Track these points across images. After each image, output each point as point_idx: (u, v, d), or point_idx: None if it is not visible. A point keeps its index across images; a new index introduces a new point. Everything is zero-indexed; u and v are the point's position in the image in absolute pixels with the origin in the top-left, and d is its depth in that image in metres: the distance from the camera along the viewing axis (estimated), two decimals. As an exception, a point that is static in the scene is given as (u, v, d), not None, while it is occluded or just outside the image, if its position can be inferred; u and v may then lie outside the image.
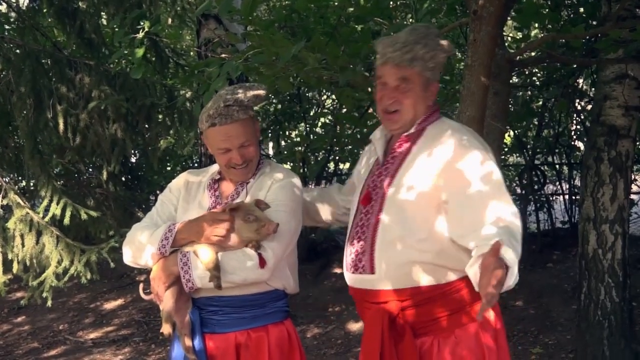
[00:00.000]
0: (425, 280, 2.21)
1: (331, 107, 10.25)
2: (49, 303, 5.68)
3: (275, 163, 2.73)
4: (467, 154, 2.20)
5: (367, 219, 2.32)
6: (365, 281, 2.29)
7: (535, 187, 9.07)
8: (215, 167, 2.70)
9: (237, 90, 2.48)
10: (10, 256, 5.53)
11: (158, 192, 9.33)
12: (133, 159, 9.88)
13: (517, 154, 10.00)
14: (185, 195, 2.63)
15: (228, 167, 2.51)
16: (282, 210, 2.45)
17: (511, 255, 1.92)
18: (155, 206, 2.66)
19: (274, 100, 9.47)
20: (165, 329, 2.40)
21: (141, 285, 2.61)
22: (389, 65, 2.33)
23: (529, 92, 8.60)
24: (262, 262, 2.34)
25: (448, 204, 2.19)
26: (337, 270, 8.49)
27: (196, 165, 9.64)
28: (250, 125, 2.50)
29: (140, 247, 2.46)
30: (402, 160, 2.33)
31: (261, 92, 2.52)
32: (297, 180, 2.59)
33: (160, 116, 6.78)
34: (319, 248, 9.41)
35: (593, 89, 7.52)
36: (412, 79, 2.32)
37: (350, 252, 2.36)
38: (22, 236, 5.54)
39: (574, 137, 9.34)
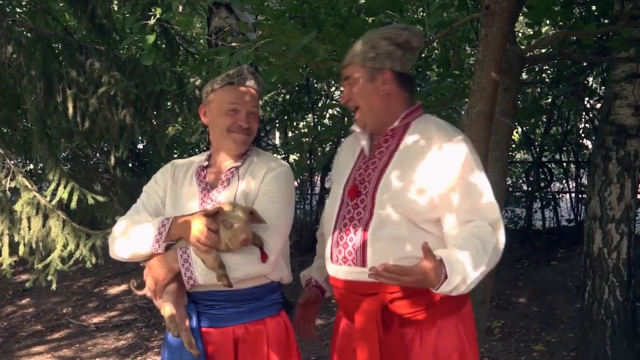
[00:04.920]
0: None
1: (339, 99, 10.23)
2: (54, 286, 5.71)
3: (263, 151, 2.69)
4: (452, 153, 2.22)
5: (356, 212, 2.31)
6: (356, 273, 2.28)
7: (542, 184, 9.06)
8: (202, 156, 2.65)
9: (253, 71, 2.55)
10: (16, 238, 5.54)
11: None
12: (140, 145, 9.90)
13: (525, 151, 10.01)
14: (173, 185, 2.57)
15: (229, 132, 2.47)
16: (277, 201, 2.43)
17: (456, 277, 2.06)
18: (141, 198, 2.59)
19: (282, 91, 9.48)
20: (173, 329, 2.31)
21: (132, 281, 2.57)
22: (342, 69, 2.44)
23: (539, 89, 8.58)
24: (264, 256, 2.32)
25: (437, 203, 2.22)
26: (341, 262, 8.48)
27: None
28: (258, 103, 2.55)
29: (131, 240, 2.40)
30: (390, 155, 2.33)
31: (265, 85, 2.59)
32: (289, 170, 2.56)
33: (169, 103, 6.79)
34: (323, 239, 9.40)
35: (603, 87, 7.51)
36: (352, 73, 2.38)
37: (337, 244, 2.34)
38: (28, 219, 5.55)
39: (582, 135, 9.33)
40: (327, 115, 9.62)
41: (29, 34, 6.24)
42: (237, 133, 2.47)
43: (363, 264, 2.24)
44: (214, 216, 2.27)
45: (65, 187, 5.68)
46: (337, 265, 2.35)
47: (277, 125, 10.54)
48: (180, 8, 8.33)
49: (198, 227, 2.25)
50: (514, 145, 9.24)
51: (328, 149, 9.49)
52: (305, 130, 9.19)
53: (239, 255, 2.30)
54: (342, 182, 2.44)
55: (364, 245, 2.25)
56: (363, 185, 2.34)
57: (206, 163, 2.59)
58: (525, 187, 9.74)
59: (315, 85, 9.75)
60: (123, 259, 2.47)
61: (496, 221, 2.17)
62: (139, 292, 2.47)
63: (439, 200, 2.20)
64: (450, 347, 2.25)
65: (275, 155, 2.86)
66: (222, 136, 2.51)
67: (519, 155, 10.92)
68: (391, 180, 2.27)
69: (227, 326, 2.41)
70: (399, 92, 2.37)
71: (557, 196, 9.50)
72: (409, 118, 2.37)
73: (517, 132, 9.03)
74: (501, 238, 2.17)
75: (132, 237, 2.40)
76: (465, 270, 2.05)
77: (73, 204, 5.67)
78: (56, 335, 7.01)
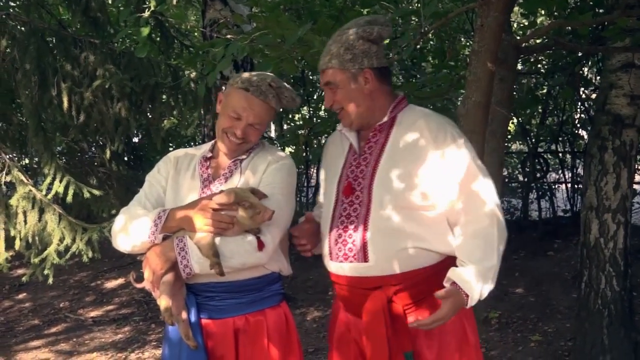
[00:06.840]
0: (417, 263, 2.29)
1: (323, 104, 10.21)
2: (50, 280, 5.69)
3: (269, 145, 2.68)
4: (442, 146, 2.28)
5: (353, 209, 2.35)
6: (358, 269, 2.32)
7: (538, 175, 9.08)
8: (205, 147, 2.65)
9: (283, 83, 2.52)
10: (12, 233, 5.53)
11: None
12: (136, 139, 9.89)
13: (521, 142, 10.01)
14: (175, 175, 2.57)
15: (224, 133, 2.47)
16: (278, 193, 2.42)
17: (473, 287, 2.20)
18: (143, 188, 2.58)
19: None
20: (167, 318, 2.31)
21: (132, 274, 2.55)
22: (321, 73, 2.46)
23: (534, 79, 8.58)
24: (261, 245, 2.30)
25: (434, 193, 2.29)
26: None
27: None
28: (271, 115, 2.51)
29: (129, 233, 2.39)
30: (381, 150, 2.37)
31: (297, 100, 2.57)
32: (291, 163, 2.56)
33: (164, 96, 6.78)
34: (320, 232, 9.40)
35: (598, 77, 7.50)
36: (333, 78, 2.40)
37: (335, 242, 2.38)
38: (24, 213, 5.54)
39: (578, 125, 9.33)
40: (323, 108, 9.61)
41: (23, 28, 6.21)
42: (229, 137, 2.47)
43: (365, 259, 2.30)
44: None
45: (60, 181, 5.66)
46: (338, 263, 2.38)
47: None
48: (175, 0, 8.30)
49: (208, 215, 2.26)
50: (510, 136, 9.24)
51: (324, 141, 9.48)
52: (301, 122, 9.19)
53: (236, 244, 2.29)
54: (335, 180, 2.48)
55: (364, 240, 2.30)
56: (357, 182, 2.38)
57: (210, 154, 2.59)
58: (521, 178, 9.75)
59: (311, 78, 9.73)
60: (126, 251, 2.46)
61: (493, 209, 2.25)
62: (139, 285, 2.46)
63: (438, 190, 2.28)
64: (453, 330, 2.33)
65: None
66: (218, 133, 2.52)
67: (515, 146, 10.93)
68: (386, 175, 2.32)
69: (227, 317, 2.42)
70: (380, 87, 2.41)
71: (553, 186, 9.51)
72: (394, 111, 2.42)
73: (513, 123, 9.03)
74: (499, 226, 2.26)
75: (130, 229, 2.40)
76: (479, 277, 2.19)
77: (69, 198, 5.65)
78: (53, 330, 7.00)
